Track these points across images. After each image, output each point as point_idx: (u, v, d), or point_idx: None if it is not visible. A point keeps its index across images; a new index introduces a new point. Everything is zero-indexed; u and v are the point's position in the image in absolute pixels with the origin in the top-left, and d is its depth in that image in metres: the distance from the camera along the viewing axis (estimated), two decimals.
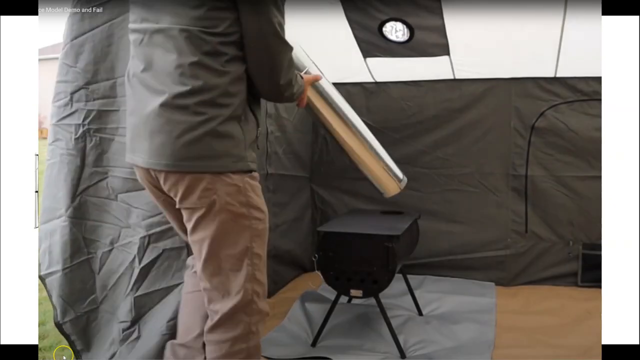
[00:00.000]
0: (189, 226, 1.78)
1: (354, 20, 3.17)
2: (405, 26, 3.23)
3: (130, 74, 1.83)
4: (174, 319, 2.28)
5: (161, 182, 1.76)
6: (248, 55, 1.72)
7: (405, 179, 2.73)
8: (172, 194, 1.76)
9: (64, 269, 2.36)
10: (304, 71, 2.21)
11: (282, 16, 1.74)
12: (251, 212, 1.76)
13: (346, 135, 2.48)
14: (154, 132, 1.70)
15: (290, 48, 1.80)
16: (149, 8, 1.74)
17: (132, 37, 1.82)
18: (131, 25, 1.83)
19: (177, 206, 1.79)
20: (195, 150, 1.67)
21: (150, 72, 1.73)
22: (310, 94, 2.21)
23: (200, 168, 1.68)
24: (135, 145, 1.80)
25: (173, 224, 2.03)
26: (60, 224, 2.35)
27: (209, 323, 1.83)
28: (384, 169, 2.61)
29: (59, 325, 2.38)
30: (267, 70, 1.75)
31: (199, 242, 1.77)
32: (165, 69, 1.69)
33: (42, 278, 2.40)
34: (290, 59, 1.81)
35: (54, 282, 2.37)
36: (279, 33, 1.71)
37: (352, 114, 2.48)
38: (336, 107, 2.41)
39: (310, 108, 2.32)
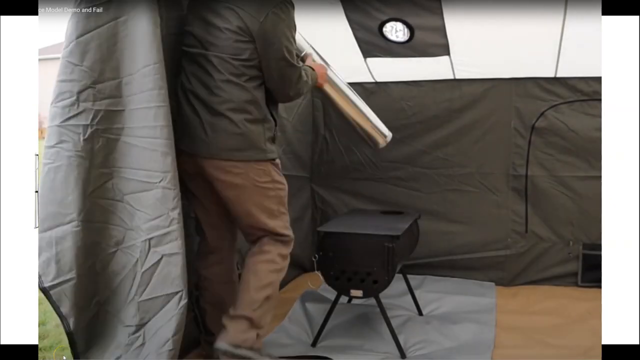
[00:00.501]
0: (228, 201, 2.38)
1: (354, 20, 3.17)
2: (405, 26, 3.23)
3: (180, 85, 2.40)
4: (178, 332, 2.27)
5: (205, 166, 2.32)
6: (265, 75, 2.30)
7: (390, 135, 3.08)
8: (213, 176, 2.33)
9: (79, 276, 2.28)
10: (302, 54, 2.71)
11: (291, 41, 2.28)
12: (275, 185, 2.39)
13: (342, 101, 2.92)
14: (200, 130, 2.30)
15: (298, 68, 2.34)
16: (194, 37, 2.33)
17: (184, 57, 2.39)
18: (184, 48, 2.38)
19: (215, 185, 2.36)
20: (228, 144, 2.27)
21: (194, 85, 2.32)
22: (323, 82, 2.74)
23: (232, 157, 2.28)
24: (185, 140, 2.34)
25: (201, 213, 2.54)
26: (72, 230, 2.26)
27: (251, 252, 2.45)
28: (372, 127, 3.03)
29: (71, 335, 2.30)
30: (280, 86, 2.34)
31: (231, 202, 2.37)
32: (206, 83, 2.29)
33: (45, 290, 2.27)
34: (299, 75, 2.36)
35: (66, 291, 2.27)
36: (287, 59, 2.27)
37: (346, 87, 2.94)
38: (334, 82, 2.86)
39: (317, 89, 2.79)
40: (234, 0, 2.24)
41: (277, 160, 2.43)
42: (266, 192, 2.36)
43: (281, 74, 2.29)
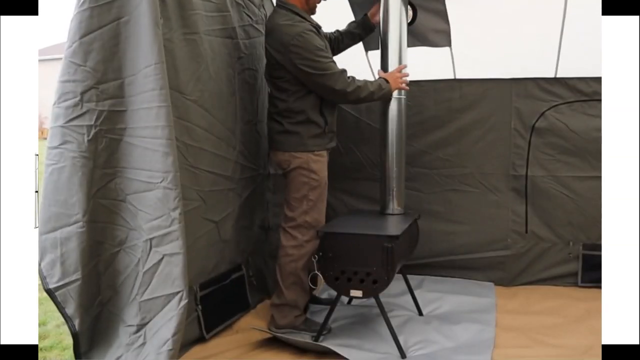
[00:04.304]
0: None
1: (355, 3, 3.19)
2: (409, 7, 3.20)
3: None
4: (178, 333, 2.27)
5: (272, 156, 3.02)
6: (310, 89, 2.82)
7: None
8: (276, 164, 3.04)
9: (84, 277, 2.28)
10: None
11: (314, 59, 2.71)
12: (309, 174, 2.87)
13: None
14: (269, 131, 3.01)
15: (332, 74, 2.75)
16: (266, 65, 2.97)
17: None
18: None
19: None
20: (279, 139, 2.91)
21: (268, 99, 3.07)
22: None
23: (280, 149, 2.91)
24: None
25: None
26: (77, 230, 2.27)
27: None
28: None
29: (76, 336, 2.30)
30: (325, 94, 2.83)
31: (286, 187, 2.95)
32: (269, 98, 3.00)
33: (50, 291, 2.27)
34: (338, 80, 2.76)
35: (71, 292, 2.28)
36: (313, 73, 2.74)
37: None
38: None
39: None
40: (267, 39, 2.84)
41: (322, 154, 2.92)
42: (299, 178, 2.86)
43: (316, 85, 2.78)
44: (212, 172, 2.76)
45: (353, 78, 2.82)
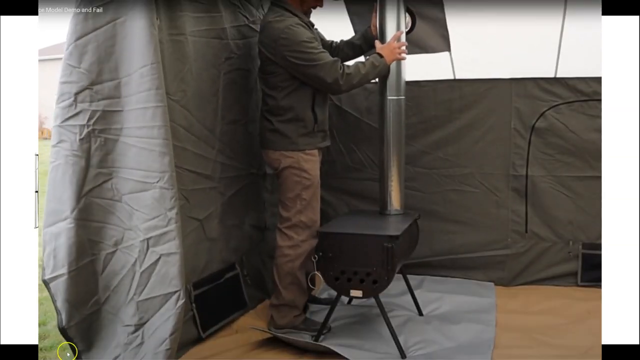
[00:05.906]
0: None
1: (354, 12, 3.18)
2: (408, 14, 3.19)
3: None
4: (175, 332, 2.28)
5: (263, 155, 3.04)
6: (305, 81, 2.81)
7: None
8: (267, 163, 3.10)
9: (69, 272, 2.32)
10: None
11: (302, 51, 2.70)
12: (301, 174, 2.86)
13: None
14: (260, 129, 3.02)
15: (322, 65, 2.72)
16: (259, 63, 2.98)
17: None
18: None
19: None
20: (269, 138, 2.91)
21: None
22: None
23: (271, 147, 2.91)
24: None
25: None
26: (66, 227, 2.32)
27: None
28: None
29: (63, 331, 2.34)
30: (318, 85, 2.81)
31: (279, 187, 2.97)
32: (262, 95, 2.99)
33: (46, 282, 2.35)
34: (329, 69, 2.73)
35: (59, 285, 2.33)
36: (302, 65, 2.73)
37: None
38: None
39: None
40: (260, 37, 2.87)
41: (313, 152, 2.89)
42: (291, 178, 2.85)
43: (308, 77, 2.77)
44: (193, 172, 2.76)
45: (344, 67, 2.78)
